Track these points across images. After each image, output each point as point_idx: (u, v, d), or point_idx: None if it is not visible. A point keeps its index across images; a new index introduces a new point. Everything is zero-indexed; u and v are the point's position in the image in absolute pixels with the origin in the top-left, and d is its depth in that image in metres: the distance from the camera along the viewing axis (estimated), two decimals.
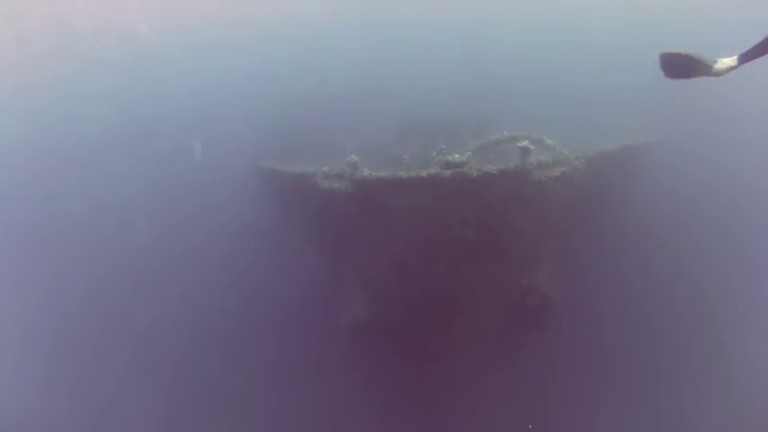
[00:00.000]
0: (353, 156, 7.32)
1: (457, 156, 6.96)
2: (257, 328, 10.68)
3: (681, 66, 3.98)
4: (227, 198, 11.28)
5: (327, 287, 9.77)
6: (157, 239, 11.28)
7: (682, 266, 10.60)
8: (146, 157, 12.12)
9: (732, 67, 3.87)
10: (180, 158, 11.93)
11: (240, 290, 10.94)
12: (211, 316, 10.90)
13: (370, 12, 15.25)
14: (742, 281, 10.72)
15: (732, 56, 3.84)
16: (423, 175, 6.83)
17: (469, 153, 6.98)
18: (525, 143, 6.83)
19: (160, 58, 13.62)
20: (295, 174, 8.72)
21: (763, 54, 3.63)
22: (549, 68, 12.92)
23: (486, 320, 8.09)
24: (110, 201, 11.92)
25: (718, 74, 3.92)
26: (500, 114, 11.41)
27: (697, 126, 10.49)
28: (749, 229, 11.17)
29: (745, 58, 3.76)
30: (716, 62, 3.91)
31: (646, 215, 10.21)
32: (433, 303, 7.74)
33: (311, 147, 10.80)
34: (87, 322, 11.13)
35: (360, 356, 9.46)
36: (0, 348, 11.34)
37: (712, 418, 9.34)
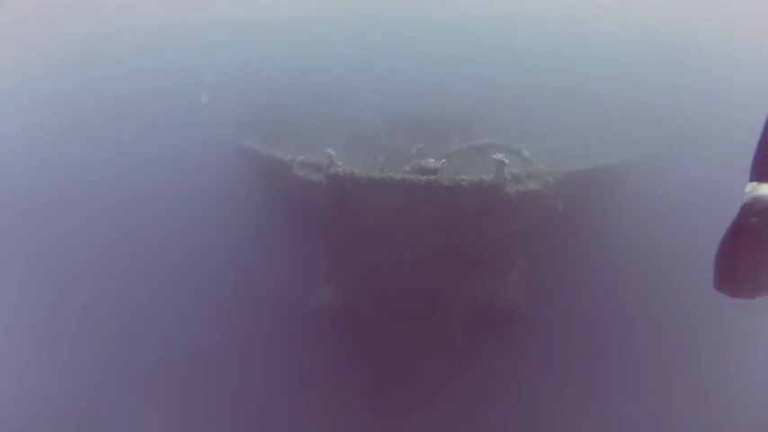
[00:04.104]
0: (330, 150, 7.33)
1: (432, 161, 6.98)
2: (229, 308, 10.77)
3: None
4: (207, 174, 11.22)
5: (299, 271, 9.83)
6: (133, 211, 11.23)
7: (651, 282, 10.73)
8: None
9: None
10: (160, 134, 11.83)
11: (213, 265, 10.97)
12: (185, 295, 10.93)
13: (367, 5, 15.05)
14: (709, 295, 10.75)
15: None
16: (396, 178, 6.86)
17: (444, 160, 7.00)
18: (500, 156, 6.83)
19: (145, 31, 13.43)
20: (273, 158, 8.71)
21: None
22: (541, 76, 12.88)
23: (450, 322, 8.21)
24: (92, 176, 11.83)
25: None
26: (487, 116, 11.40)
27: (676, 145, 10.53)
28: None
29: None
30: None
31: (618, 231, 10.31)
32: (399, 302, 7.84)
33: (298, 132, 10.78)
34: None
35: (326, 342, 9.55)
36: None
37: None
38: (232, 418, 9.74)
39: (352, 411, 8.94)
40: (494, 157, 6.91)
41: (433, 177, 6.72)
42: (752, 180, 2.29)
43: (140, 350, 10.46)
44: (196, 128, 11.65)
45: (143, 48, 13.43)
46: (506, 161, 6.80)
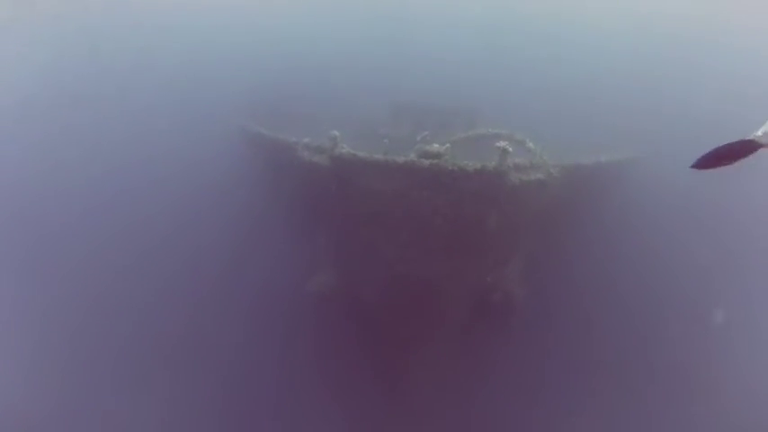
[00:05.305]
0: (334, 131, 7.30)
1: (436, 146, 6.95)
2: (226, 292, 10.77)
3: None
4: (210, 157, 11.18)
5: (299, 254, 9.83)
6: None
7: (650, 277, 10.71)
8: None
9: None
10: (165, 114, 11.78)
11: (214, 250, 10.96)
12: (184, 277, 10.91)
13: None
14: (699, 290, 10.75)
15: None
16: (399, 161, 6.83)
17: (448, 145, 6.96)
18: (504, 144, 6.78)
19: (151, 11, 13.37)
20: (277, 140, 8.69)
21: None
22: (549, 67, 12.81)
23: (449, 311, 8.18)
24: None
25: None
26: (493, 107, 11.36)
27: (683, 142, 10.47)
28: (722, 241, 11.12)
29: None
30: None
31: (621, 226, 10.28)
32: (398, 286, 7.81)
33: (302, 116, 10.76)
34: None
35: (324, 326, 9.56)
36: None
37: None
38: (226, 406, 9.77)
39: (349, 397, 8.96)
40: (497, 144, 6.86)
41: (435, 161, 6.69)
42: None
43: (133, 335, 10.46)
44: (199, 109, 11.61)
45: (150, 26, 13.39)
46: (510, 149, 6.76)
